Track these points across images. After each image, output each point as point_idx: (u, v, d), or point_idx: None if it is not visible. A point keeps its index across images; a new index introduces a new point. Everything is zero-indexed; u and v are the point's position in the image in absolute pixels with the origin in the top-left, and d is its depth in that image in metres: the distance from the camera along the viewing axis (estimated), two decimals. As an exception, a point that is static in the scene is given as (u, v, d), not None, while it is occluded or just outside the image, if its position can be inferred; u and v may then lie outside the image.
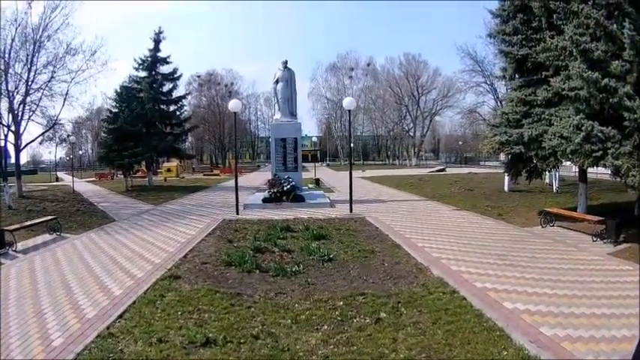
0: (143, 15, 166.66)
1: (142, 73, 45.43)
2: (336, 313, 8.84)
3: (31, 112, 31.91)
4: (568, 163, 19.86)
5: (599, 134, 14.76)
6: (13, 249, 15.79)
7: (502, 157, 29.23)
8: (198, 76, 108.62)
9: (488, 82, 47.40)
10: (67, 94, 33.13)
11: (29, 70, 30.38)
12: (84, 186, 46.66)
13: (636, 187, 14.12)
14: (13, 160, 35.18)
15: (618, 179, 15.74)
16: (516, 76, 21.96)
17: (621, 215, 16.37)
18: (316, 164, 65.02)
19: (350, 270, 12.10)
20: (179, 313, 8.99)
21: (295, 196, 25.85)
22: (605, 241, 15.25)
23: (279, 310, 9.05)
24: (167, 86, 46.62)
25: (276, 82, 29.68)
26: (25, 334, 8.14)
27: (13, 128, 30.48)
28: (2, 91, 29.19)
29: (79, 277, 11.99)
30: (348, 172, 25.47)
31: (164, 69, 46.46)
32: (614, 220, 15.34)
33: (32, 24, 30.28)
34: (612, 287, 10.33)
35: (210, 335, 7.78)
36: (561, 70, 17.15)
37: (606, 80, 14.32)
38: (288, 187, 25.86)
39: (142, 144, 39.98)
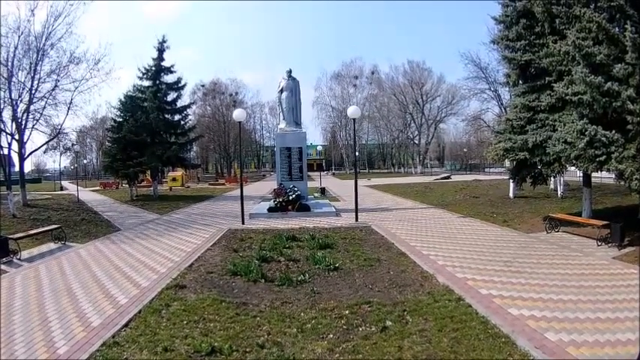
0: (147, 24, 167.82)
1: (146, 83, 45.28)
2: (342, 321, 8.83)
3: (35, 121, 31.83)
4: (572, 168, 19.83)
5: (603, 138, 14.78)
6: (18, 257, 15.87)
7: (507, 163, 29.16)
8: (203, 86, 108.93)
9: (492, 89, 47.12)
10: (70, 103, 33.00)
11: (33, 79, 30.30)
12: (88, 195, 46.85)
13: (640, 191, 14.12)
14: (17, 169, 35.25)
15: (622, 183, 15.69)
16: (520, 82, 21.93)
17: (626, 219, 16.33)
18: (322, 173, 64.76)
19: (355, 279, 12.09)
20: (184, 322, 8.99)
21: (301, 206, 25.85)
22: (609, 245, 15.25)
23: (285, 320, 9.04)
24: (171, 95, 46.47)
25: (281, 91, 29.68)
26: (29, 342, 8.17)
27: (17, 137, 30.32)
28: (6, 99, 29.25)
29: (84, 286, 12.01)
30: (354, 180, 25.45)
31: (168, 78, 46.41)
32: (619, 223, 15.32)
33: (35, 32, 30.21)
34: (617, 291, 10.32)
35: (216, 344, 7.78)
36: (564, 75, 17.15)
37: (609, 84, 14.35)
38: (294, 196, 25.87)
39: (147, 153, 40.00)
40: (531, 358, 7.08)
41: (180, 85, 46.93)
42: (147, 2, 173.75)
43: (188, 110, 50.44)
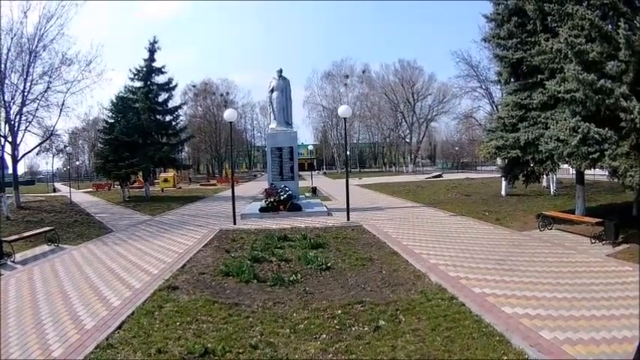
0: (137, 25, 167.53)
1: (138, 84, 45.28)
2: (335, 321, 8.81)
3: (28, 123, 32.01)
4: (565, 165, 19.86)
5: (596, 136, 14.82)
6: (12, 260, 15.89)
7: (499, 161, 29.19)
8: (194, 86, 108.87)
9: (483, 87, 47.25)
10: (63, 104, 33.21)
11: (25, 81, 30.45)
12: (81, 197, 46.72)
13: (634, 188, 14.15)
14: (10, 171, 35.22)
15: (616, 180, 15.73)
16: (512, 80, 21.89)
17: (619, 216, 16.38)
18: (313, 173, 64.63)
19: (348, 278, 12.07)
20: (177, 323, 8.95)
21: (292, 205, 25.80)
22: (603, 242, 15.29)
23: (278, 320, 9.03)
24: (162, 96, 46.51)
25: (272, 90, 29.57)
26: (24, 345, 8.16)
27: (9, 139, 30.48)
28: (-1, 101, 29.21)
29: (78, 288, 11.96)
30: (345, 180, 25.44)
31: (159, 79, 46.43)
32: (613, 221, 15.34)
33: (28, 34, 30.36)
34: (612, 288, 10.35)
35: (209, 345, 7.75)
36: (557, 73, 17.17)
37: (602, 81, 14.39)
38: (285, 196, 25.81)
39: (139, 154, 39.89)
40: (526, 356, 7.07)
41: (171, 85, 46.95)
42: (147, 2, 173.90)
43: (179, 111, 50.54)
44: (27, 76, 30.48)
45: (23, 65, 30.31)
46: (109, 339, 8.28)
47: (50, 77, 31.83)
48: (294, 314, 9.35)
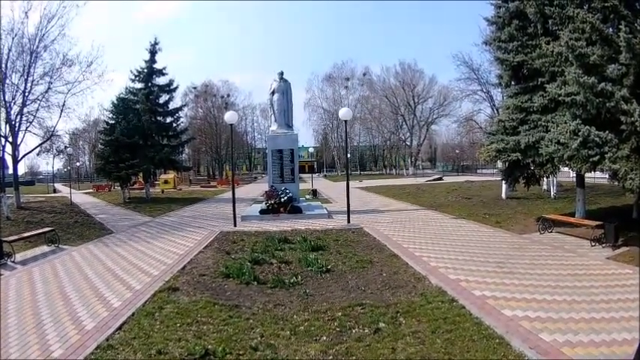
0: (137, 26, 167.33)
1: (138, 85, 45.02)
2: (335, 323, 8.81)
3: (28, 123, 32.06)
4: (565, 168, 19.85)
5: (596, 139, 14.82)
6: (12, 260, 15.90)
7: (499, 164, 29.17)
8: (195, 88, 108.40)
9: (484, 90, 47.14)
10: (63, 105, 33.25)
11: (26, 81, 30.48)
12: (81, 198, 46.72)
13: (634, 191, 14.12)
14: (10, 171, 35.25)
15: (616, 183, 15.72)
16: (512, 83, 21.94)
17: (619, 219, 16.37)
18: (313, 175, 64.54)
19: (348, 281, 12.08)
20: (178, 324, 8.96)
21: (293, 208, 25.80)
22: (603, 245, 15.31)
23: (278, 322, 9.02)
24: (163, 98, 46.26)
25: (272, 93, 29.48)
26: (24, 345, 8.15)
27: (10, 139, 30.54)
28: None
29: (78, 289, 11.95)
30: (345, 182, 25.45)
31: (160, 80, 46.12)
32: (613, 223, 15.35)
33: (29, 34, 30.39)
34: (612, 291, 10.35)
35: (210, 347, 7.76)
36: (557, 76, 17.20)
37: (602, 84, 14.39)
38: (286, 198, 25.82)
39: (139, 156, 39.73)
40: (526, 358, 7.09)
41: (172, 87, 46.70)
42: (147, 2, 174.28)
43: (180, 112, 50.21)
44: (28, 76, 30.55)
45: (24, 65, 30.39)
46: (110, 340, 8.29)
47: (51, 78, 31.93)
48: (295, 316, 9.35)
